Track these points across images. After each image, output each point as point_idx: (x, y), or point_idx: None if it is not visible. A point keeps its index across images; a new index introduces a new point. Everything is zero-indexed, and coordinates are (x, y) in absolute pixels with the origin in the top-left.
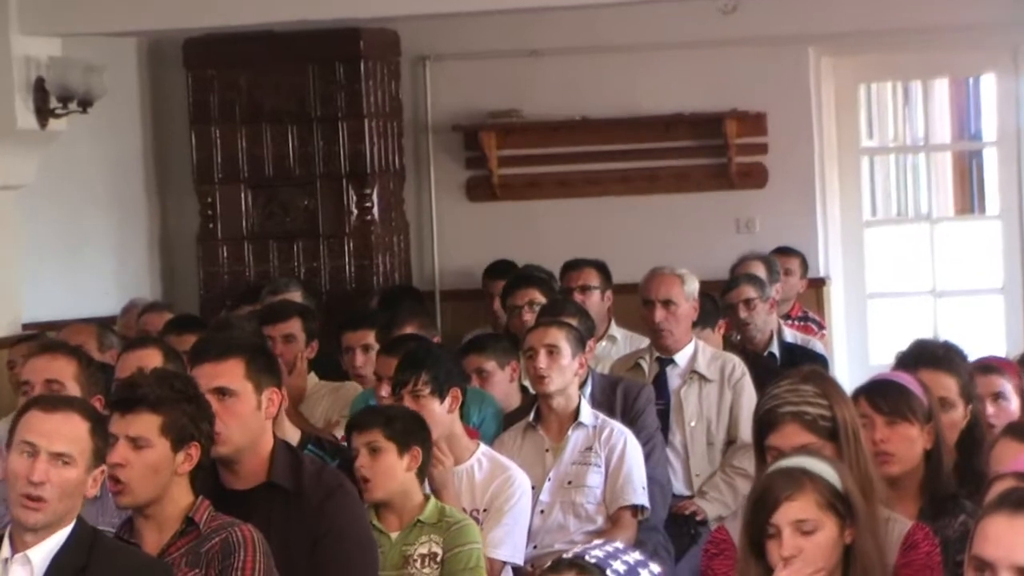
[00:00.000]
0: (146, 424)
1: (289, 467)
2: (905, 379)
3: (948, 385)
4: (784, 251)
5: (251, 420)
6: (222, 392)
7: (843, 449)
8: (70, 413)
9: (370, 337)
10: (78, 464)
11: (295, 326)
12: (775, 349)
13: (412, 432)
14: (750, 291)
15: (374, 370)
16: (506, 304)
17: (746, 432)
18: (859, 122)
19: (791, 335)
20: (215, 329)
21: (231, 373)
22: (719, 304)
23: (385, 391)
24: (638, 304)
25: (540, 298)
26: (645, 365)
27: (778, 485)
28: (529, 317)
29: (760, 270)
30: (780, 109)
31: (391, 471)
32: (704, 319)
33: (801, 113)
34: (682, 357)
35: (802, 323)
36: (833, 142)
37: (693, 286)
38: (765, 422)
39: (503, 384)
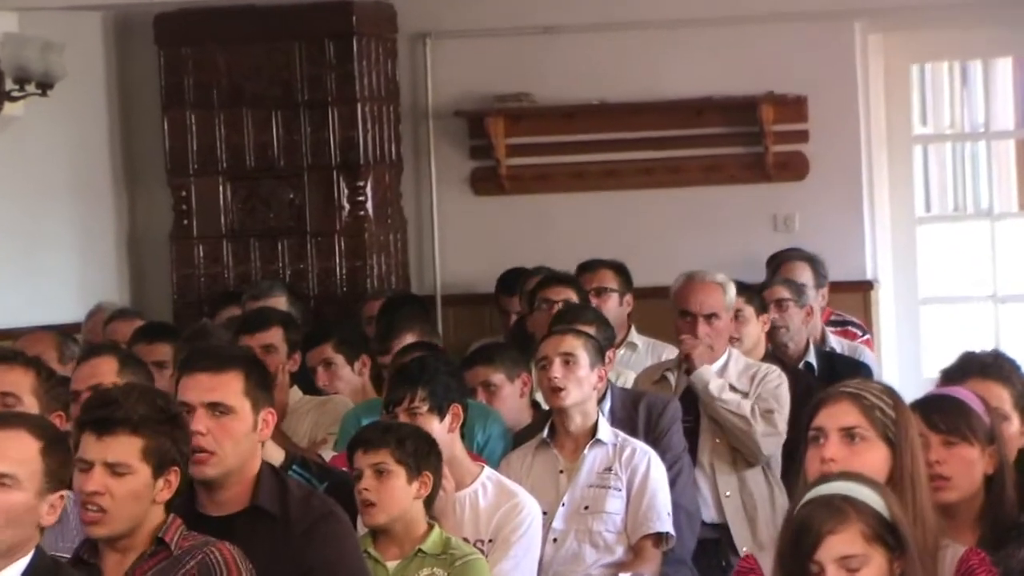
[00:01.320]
0: (127, 448)
1: (275, 491)
2: (965, 395)
3: (1001, 396)
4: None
5: (245, 441)
6: (218, 408)
7: (900, 464)
8: (17, 430)
9: (327, 350)
10: (25, 487)
11: (276, 336)
12: (812, 359)
13: (424, 456)
14: (783, 291)
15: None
16: (534, 298)
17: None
18: (911, 107)
19: (837, 343)
20: (190, 338)
21: (229, 388)
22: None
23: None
24: (662, 310)
25: (575, 299)
26: (672, 378)
27: (818, 517)
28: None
29: (804, 272)
30: (822, 92)
31: (398, 497)
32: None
33: (846, 96)
34: (713, 368)
35: (840, 328)
36: (882, 129)
37: (732, 294)
38: (816, 404)
39: (512, 399)
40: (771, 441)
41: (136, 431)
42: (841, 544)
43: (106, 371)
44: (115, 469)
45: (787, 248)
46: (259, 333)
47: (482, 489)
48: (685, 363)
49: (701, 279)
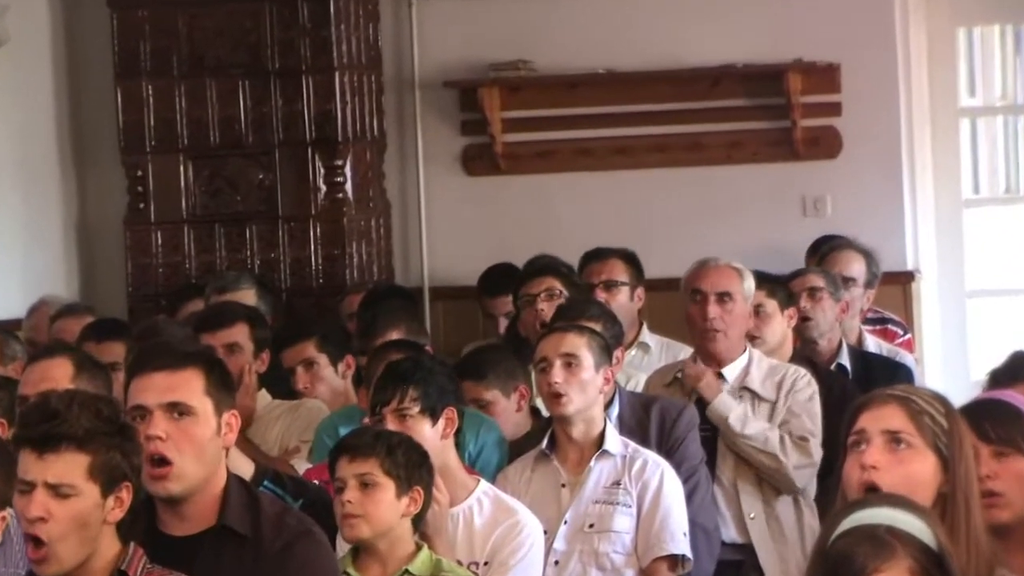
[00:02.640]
0: (71, 466)
1: (245, 508)
2: (1018, 399)
3: None
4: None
5: (209, 447)
6: (178, 409)
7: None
8: None
9: (310, 348)
10: None
11: (240, 333)
12: (845, 360)
13: (416, 468)
14: (817, 279)
15: (365, 377)
16: (517, 298)
17: (799, 426)
18: (958, 76)
19: (875, 344)
20: (140, 336)
21: (189, 387)
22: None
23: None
24: (676, 303)
25: (560, 287)
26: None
27: (861, 552)
28: (545, 307)
29: (855, 265)
30: (857, 59)
31: (385, 513)
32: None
33: (884, 64)
34: (732, 371)
35: (880, 326)
36: (924, 101)
37: (750, 284)
38: (857, 408)
39: (508, 415)
40: (806, 473)
41: (82, 447)
42: None
43: (60, 375)
44: (59, 490)
45: (834, 235)
46: (221, 330)
47: (477, 505)
48: (695, 393)
49: (715, 262)
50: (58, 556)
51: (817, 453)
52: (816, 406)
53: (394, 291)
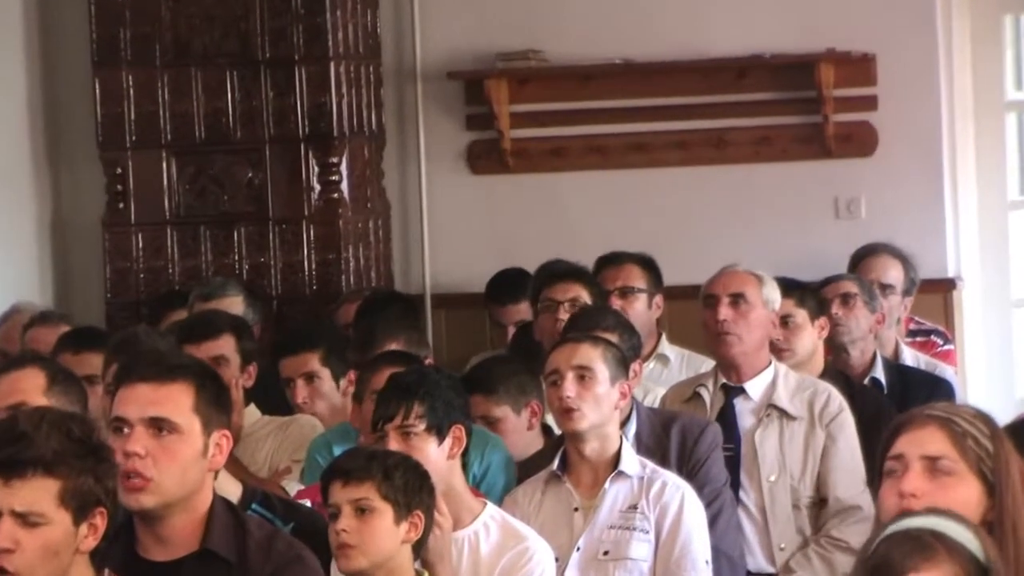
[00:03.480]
0: (39, 493)
1: (230, 532)
2: None
3: None
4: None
5: (192, 468)
6: (160, 425)
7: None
8: None
9: (313, 361)
10: None
11: (227, 345)
12: (880, 374)
13: (415, 491)
14: (851, 286)
15: (374, 387)
16: (538, 301)
17: (844, 488)
18: (1003, 67)
19: (913, 357)
20: (118, 347)
21: (175, 402)
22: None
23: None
24: (697, 313)
25: (587, 298)
26: (707, 395)
27: (901, 552)
28: (565, 319)
29: (892, 271)
30: (894, 49)
31: (382, 540)
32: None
33: (923, 55)
34: (756, 386)
35: (923, 338)
36: (967, 94)
37: (773, 292)
38: (892, 431)
39: (518, 433)
40: (866, 527)
41: (51, 471)
42: None
43: (32, 387)
44: (27, 519)
45: (875, 244)
46: (206, 342)
47: (484, 530)
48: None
49: (732, 267)
50: None
51: (868, 503)
52: (852, 436)
53: (394, 298)
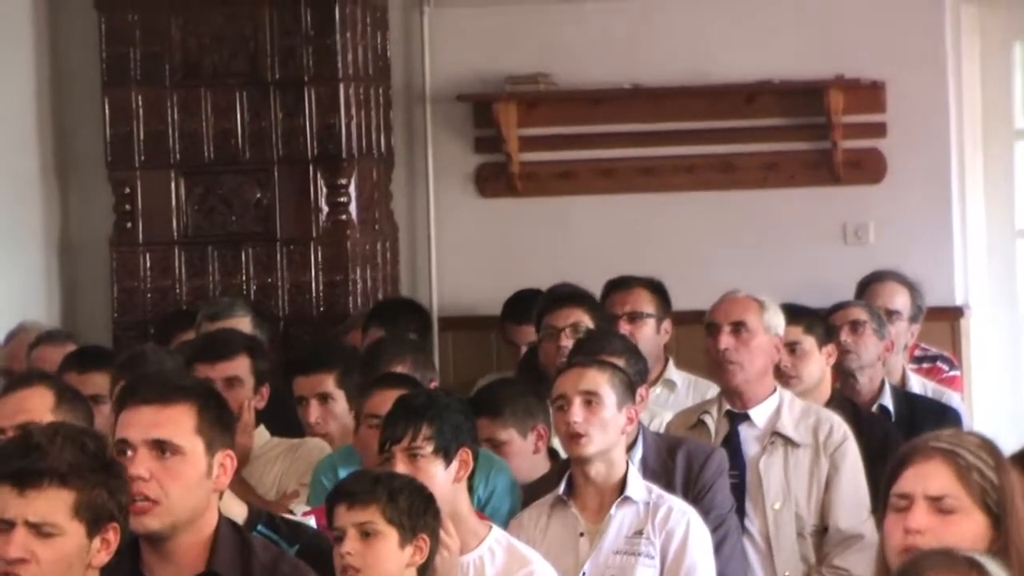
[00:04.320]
0: (54, 504)
1: (236, 554)
2: None
3: None
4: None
5: (196, 489)
6: (163, 447)
7: (1006, 538)
8: None
9: (328, 383)
10: None
11: (242, 366)
12: (888, 402)
13: (420, 514)
14: (861, 313)
15: (368, 411)
16: (539, 327)
17: (847, 518)
18: (1013, 94)
19: (920, 384)
20: (125, 365)
21: (178, 424)
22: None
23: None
24: (704, 338)
25: (588, 322)
26: (711, 422)
27: (929, 565)
28: (569, 344)
29: (899, 298)
30: (904, 76)
31: (388, 565)
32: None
33: (932, 82)
34: (760, 413)
35: (929, 364)
36: (977, 121)
37: (775, 318)
38: (897, 463)
39: (524, 457)
40: (868, 555)
41: (65, 483)
42: None
43: (39, 406)
44: (41, 530)
45: (880, 269)
46: (222, 363)
47: (489, 554)
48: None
49: (734, 294)
50: None
51: (871, 531)
52: (856, 464)
53: (405, 306)
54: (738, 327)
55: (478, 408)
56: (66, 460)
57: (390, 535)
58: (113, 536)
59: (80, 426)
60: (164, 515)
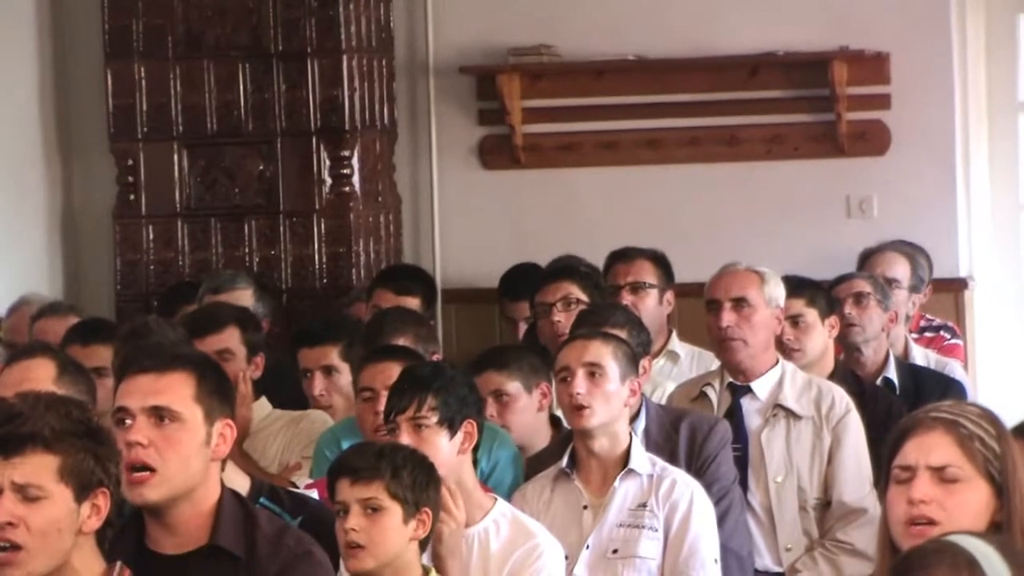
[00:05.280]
0: (38, 468)
1: (240, 526)
2: None
3: None
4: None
5: (195, 458)
6: (161, 414)
7: (1008, 508)
8: None
9: (333, 355)
10: None
11: (231, 338)
12: (892, 374)
13: (423, 488)
14: (865, 285)
15: (363, 384)
16: (533, 304)
17: (850, 491)
18: (1017, 67)
19: (923, 356)
20: (129, 337)
21: (176, 391)
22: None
23: (382, 407)
24: (705, 314)
25: (579, 294)
26: (713, 395)
27: (922, 558)
28: (562, 319)
29: (898, 267)
30: (908, 48)
31: (392, 539)
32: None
33: (937, 54)
34: (763, 386)
35: (932, 333)
36: (981, 93)
37: (776, 290)
38: (898, 436)
39: (528, 413)
40: (871, 529)
41: (49, 448)
42: None
43: (42, 376)
44: (27, 493)
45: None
46: (211, 336)
47: (494, 527)
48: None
49: (733, 267)
50: (27, 562)
51: (873, 504)
52: (858, 437)
53: (410, 273)
54: (739, 303)
55: (485, 363)
56: (49, 425)
57: (394, 510)
58: (103, 502)
59: (64, 396)
60: (161, 485)
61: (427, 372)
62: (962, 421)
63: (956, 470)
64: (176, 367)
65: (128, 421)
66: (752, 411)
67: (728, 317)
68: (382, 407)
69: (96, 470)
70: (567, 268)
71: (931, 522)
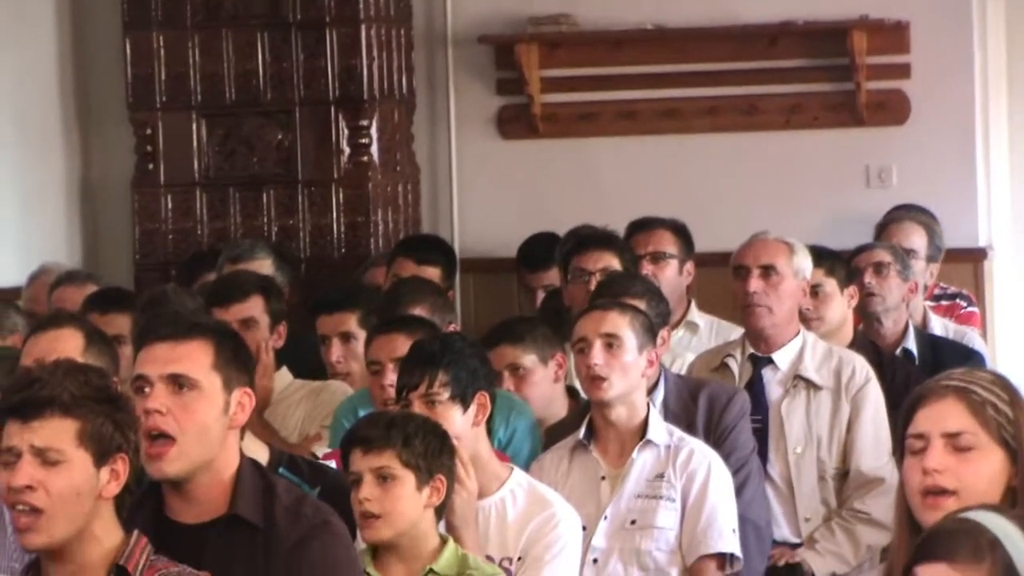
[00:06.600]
0: (57, 432)
1: (258, 496)
2: None
3: None
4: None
5: (214, 426)
6: (180, 382)
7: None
8: None
9: (351, 322)
10: None
11: (255, 306)
12: (911, 345)
13: (436, 455)
14: (885, 255)
15: (370, 357)
16: (567, 269)
17: (868, 461)
18: None
19: (941, 326)
20: (147, 306)
21: (194, 359)
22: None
23: (389, 380)
24: (726, 281)
25: (617, 266)
26: (735, 366)
27: (947, 541)
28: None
29: (915, 237)
30: (928, 17)
31: (406, 508)
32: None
33: (957, 23)
34: (784, 356)
35: (948, 301)
36: (1002, 62)
37: (804, 261)
38: (911, 405)
39: (544, 385)
40: (888, 498)
41: (68, 412)
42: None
43: (70, 347)
44: (46, 456)
45: (899, 206)
46: (235, 305)
47: (511, 497)
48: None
49: (763, 235)
50: (48, 527)
51: (891, 474)
52: (878, 407)
53: (432, 243)
54: (768, 270)
55: (500, 336)
56: (68, 390)
57: (407, 479)
58: (122, 467)
59: (83, 363)
60: (180, 458)
61: (436, 347)
62: (974, 388)
63: (970, 437)
64: (194, 335)
65: (147, 389)
66: (773, 382)
67: (756, 284)
68: (388, 380)
69: (115, 435)
70: (611, 238)
71: (946, 491)
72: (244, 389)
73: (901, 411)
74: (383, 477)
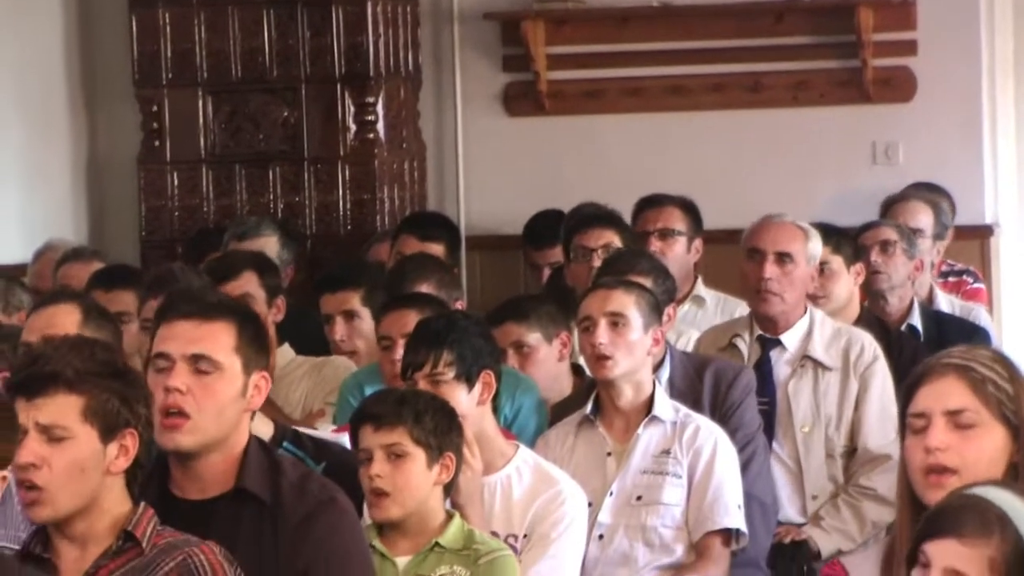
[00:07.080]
0: (63, 408)
1: (265, 472)
2: None
3: None
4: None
5: (230, 408)
6: (201, 363)
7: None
8: None
9: (354, 300)
10: None
11: (249, 282)
12: (916, 321)
13: (445, 432)
14: (891, 233)
15: (381, 332)
16: (568, 247)
17: (875, 438)
18: None
19: (948, 302)
20: (153, 284)
21: (217, 340)
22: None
23: (400, 356)
24: (732, 258)
25: (618, 243)
26: (743, 346)
27: (955, 516)
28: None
29: (921, 215)
30: None
31: (416, 485)
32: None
33: None
34: (792, 337)
35: (955, 278)
36: (1008, 40)
37: (816, 247)
38: (913, 382)
39: (549, 363)
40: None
41: (72, 388)
42: (958, 558)
43: (67, 322)
44: (51, 433)
45: (913, 184)
46: (229, 283)
47: (516, 474)
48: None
49: (779, 218)
50: (53, 502)
51: (898, 451)
52: (885, 384)
53: (435, 220)
54: (783, 257)
55: (505, 314)
56: (72, 366)
57: (418, 456)
58: (131, 442)
59: (89, 338)
60: (196, 432)
61: (441, 326)
62: (974, 365)
63: (971, 415)
64: (219, 315)
65: (168, 366)
66: (780, 363)
67: (771, 270)
68: (398, 355)
69: (122, 410)
70: (611, 216)
71: (948, 470)
72: (262, 372)
73: (903, 387)
74: (394, 454)
